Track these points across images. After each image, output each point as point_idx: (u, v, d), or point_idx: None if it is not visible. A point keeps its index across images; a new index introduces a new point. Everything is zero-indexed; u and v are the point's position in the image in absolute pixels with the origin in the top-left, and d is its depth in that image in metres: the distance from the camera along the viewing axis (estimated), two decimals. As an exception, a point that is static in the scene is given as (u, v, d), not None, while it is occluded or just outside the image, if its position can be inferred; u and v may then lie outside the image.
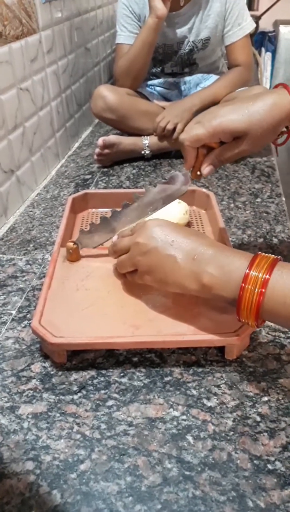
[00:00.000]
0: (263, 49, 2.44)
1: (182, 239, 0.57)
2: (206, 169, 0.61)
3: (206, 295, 0.55)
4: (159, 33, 1.22)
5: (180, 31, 1.29)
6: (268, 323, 0.68)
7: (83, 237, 0.77)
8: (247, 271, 0.49)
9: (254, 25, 1.32)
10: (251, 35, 1.33)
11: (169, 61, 1.36)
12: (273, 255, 0.51)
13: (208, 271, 0.53)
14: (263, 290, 0.48)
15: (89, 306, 0.66)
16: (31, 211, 1.07)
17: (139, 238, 0.60)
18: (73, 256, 0.76)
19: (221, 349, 0.63)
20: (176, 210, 0.85)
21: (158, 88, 1.43)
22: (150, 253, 0.58)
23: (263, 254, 0.51)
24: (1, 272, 0.83)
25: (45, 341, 0.60)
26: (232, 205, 1.04)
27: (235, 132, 0.57)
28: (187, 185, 0.67)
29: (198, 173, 0.63)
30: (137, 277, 0.63)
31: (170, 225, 0.59)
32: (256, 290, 0.48)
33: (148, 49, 1.24)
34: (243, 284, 0.49)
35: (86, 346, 0.61)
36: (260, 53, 1.87)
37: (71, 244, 0.75)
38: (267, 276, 0.48)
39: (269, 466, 0.49)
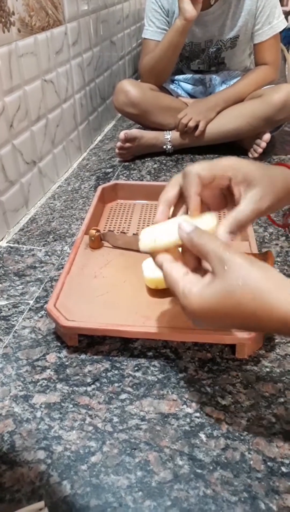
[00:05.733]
0: (291, 46, 2.39)
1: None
2: (225, 236, 0.47)
3: None
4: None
5: (209, 30, 1.26)
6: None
7: (110, 234, 0.78)
8: None
9: (286, 23, 1.27)
10: (280, 32, 1.29)
11: (196, 58, 1.34)
12: None
13: None
14: None
15: (104, 293, 0.67)
16: (51, 203, 1.07)
17: (185, 311, 0.46)
18: (95, 244, 0.77)
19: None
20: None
21: (182, 84, 1.42)
22: (198, 321, 0.45)
23: None
24: (20, 262, 0.83)
25: (58, 323, 0.61)
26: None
27: (246, 174, 0.47)
28: None
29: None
30: None
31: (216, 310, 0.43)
32: None
33: (174, 50, 1.22)
34: None
35: (96, 331, 0.62)
36: (288, 50, 1.83)
37: (94, 231, 0.76)
38: None
39: (283, 469, 0.48)
